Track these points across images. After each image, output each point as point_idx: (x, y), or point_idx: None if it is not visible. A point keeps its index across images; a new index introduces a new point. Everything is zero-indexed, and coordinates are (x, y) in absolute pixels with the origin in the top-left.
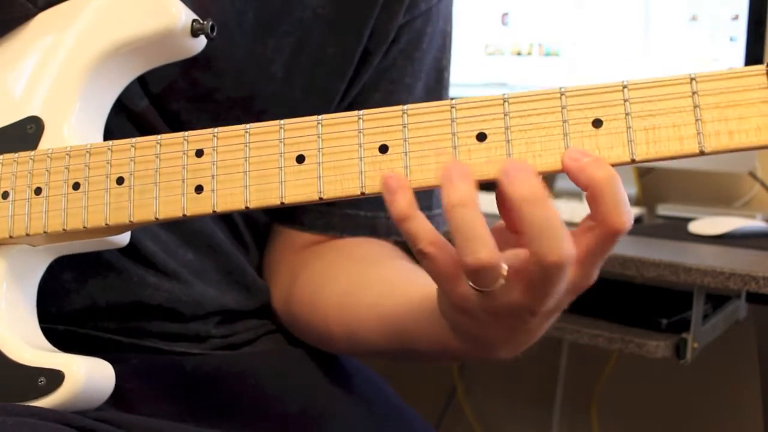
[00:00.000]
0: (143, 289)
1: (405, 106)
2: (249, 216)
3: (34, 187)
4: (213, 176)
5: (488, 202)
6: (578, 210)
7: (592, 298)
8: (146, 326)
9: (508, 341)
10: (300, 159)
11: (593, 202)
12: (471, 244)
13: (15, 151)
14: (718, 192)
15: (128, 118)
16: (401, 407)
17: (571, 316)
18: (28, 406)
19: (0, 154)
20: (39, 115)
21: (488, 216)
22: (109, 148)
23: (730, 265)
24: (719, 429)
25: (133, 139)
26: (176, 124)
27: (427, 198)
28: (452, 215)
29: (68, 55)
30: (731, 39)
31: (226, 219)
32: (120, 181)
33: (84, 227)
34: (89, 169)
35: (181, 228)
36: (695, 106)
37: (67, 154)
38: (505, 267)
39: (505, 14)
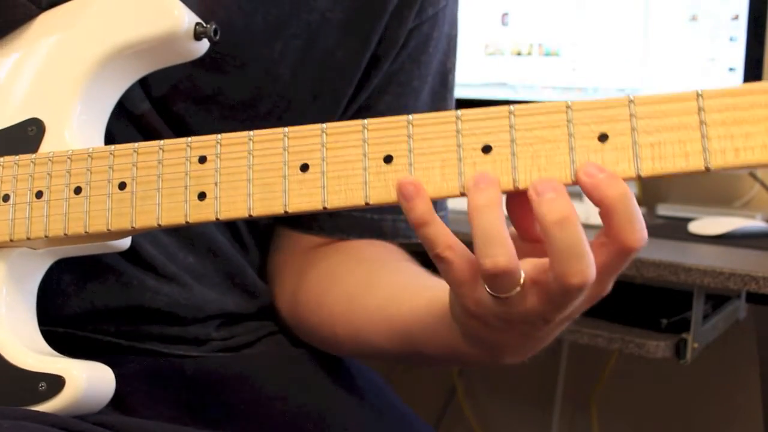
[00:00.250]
0: (143, 293)
1: (410, 117)
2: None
3: (35, 190)
4: (216, 183)
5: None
6: (578, 210)
7: None
8: (146, 329)
9: (519, 347)
10: (304, 168)
11: (606, 219)
12: (491, 248)
13: (16, 153)
14: (718, 192)
15: (129, 120)
16: (402, 409)
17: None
18: (26, 409)
19: (0, 156)
20: (40, 117)
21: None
22: (111, 153)
23: (730, 265)
24: (719, 429)
25: (136, 144)
26: (179, 126)
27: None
28: (475, 217)
29: (70, 57)
30: (731, 39)
31: (226, 221)
32: (122, 186)
33: (86, 232)
34: (91, 173)
35: (182, 231)
36: (701, 123)
37: (69, 158)
38: (522, 274)
39: (505, 14)
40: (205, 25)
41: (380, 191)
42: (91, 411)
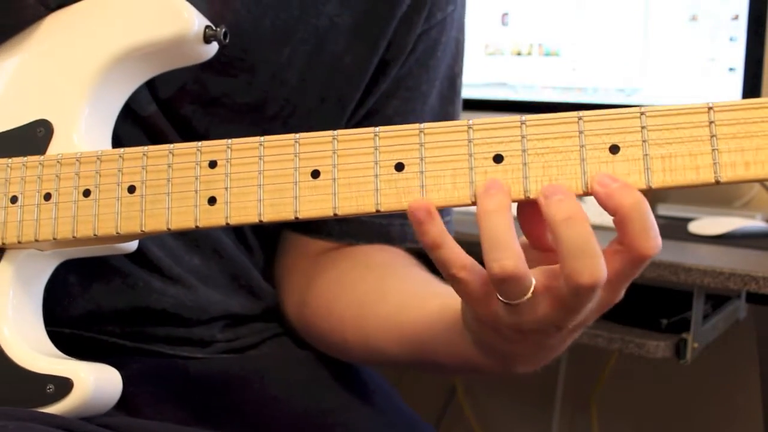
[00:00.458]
0: (148, 294)
1: (422, 125)
2: None
3: (44, 192)
4: (226, 188)
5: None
6: None
7: None
8: (151, 331)
9: (532, 357)
10: (315, 174)
11: (621, 227)
12: (498, 252)
13: (24, 154)
14: (718, 192)
15: (136, 121)
16: (406, 410)
17: None
18: (31, 410)
19: (8, 158)
20: (48, 119)
21: None
22: (120, 156)
23: (730, 265)
24: (719, 429)
25: (145, 148)
26: (185, 128)
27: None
28: (483, 222)
29: (78, 58)
30: (731, 39)
31: None
32: (131, 189)
33: (95, 235)
34: (100, 176)
35: (187, 233)
36: (712, 136)
37: (78, 160)
38: (533, 281)
39: (505, 14)
40: (214, 28)
41: (391, 198)
42: (98, 413)
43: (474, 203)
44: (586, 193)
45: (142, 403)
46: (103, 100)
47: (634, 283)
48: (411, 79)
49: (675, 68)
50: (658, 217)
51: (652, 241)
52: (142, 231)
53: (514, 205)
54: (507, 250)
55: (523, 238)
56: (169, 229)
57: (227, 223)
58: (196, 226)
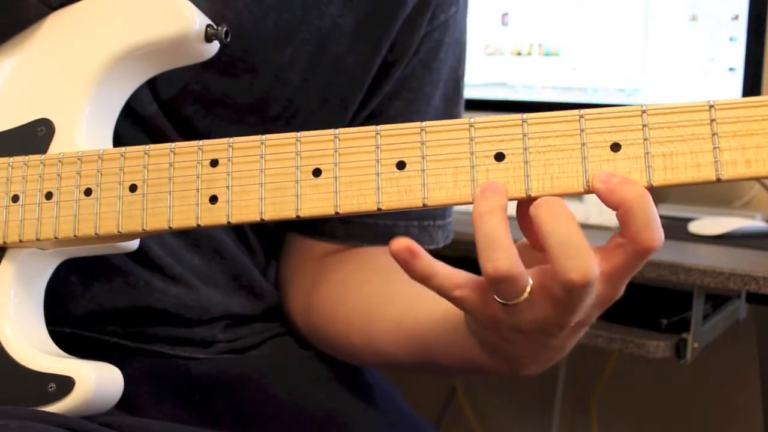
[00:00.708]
0: (150, 294)
1: (423, 123)
2: None
3: (45, 191)
4: (228, 187)
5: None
6: (578, 210)
7: None
8: (152, 331)
9: (537, 357)
10: (317, 173)
11: (624, 220)
12: (492, 252)
13: (25, 153)
14: (718, 192)
15: (136, 121)
16: (407, 410)
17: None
18: (33, 409)
19: (10, 156)
20: (50, 118)
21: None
22: (121, 155)
23: (730, 265)
24: (719, 429)
25: (147, 147)
26: (186, 128)
27: (441, 208)
28: (477, 223)
29: (80, 57)
30: (731, 39)
31: None
32: (133, 188)
33: (96, 234)
34: (101, 175)
35: (189, 233)
36: (713, 134)
37: (79, 159)
38: (530, 281)
39: (505, 14)
40: (216, 27)
41: (393, 197)
42: (100, 411)
43: None
44: (588, 191)
45: (143, 403)
46: (104, 99)
47: (633, 283)
48: (414, 81)
49: (675, 68)
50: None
51: (656, 233)
52: (143, 230)
53: (513, 207)
54: (501, 250)
55: (524, 239)
56: (170, 228)
57: (228, 222)
58: (198, 225)
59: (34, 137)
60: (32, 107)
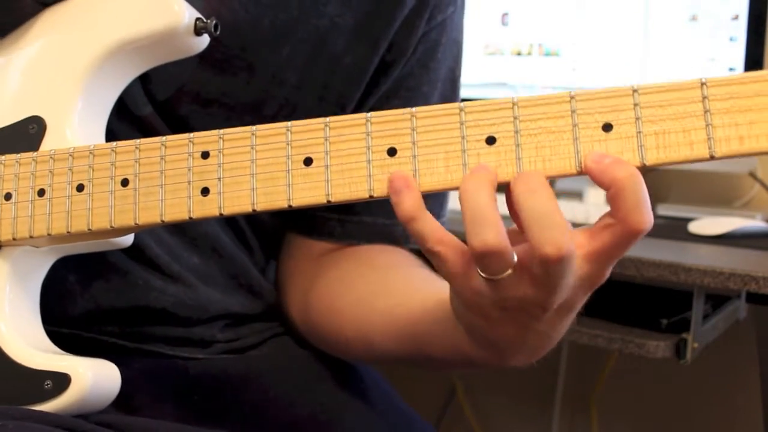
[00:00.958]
0: (148, 293)
1: (413, 109)
2: (254, 219)
3: (37, 188)
4: (219, 178)
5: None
6: (578, 210)
7: (592, 297)
8: (151, 330)
9: (524, 344)
10: (308, 162)
11: (614, 200)
12: (478, 227)
13: (17, 151)
14: (718, 192)
15: (132, 121)
16: (406, 411)
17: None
18: (30, 409)
19: (1, 155)
20: (41, 115)
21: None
22: (113, 150)
23: (730, 265)
24: (719, 429)
25: (138, 141)
26: (183, 128)
27: (438, 205)
28: (464, 200)
29: (71, 53)
30: (731, 39)
31: (230, 222)
32: (125, 182)
33: (89, 229)
34: (93, 170)
35: (186, 231)
36: (706, 111)
37: (71, 155)
38: (515, 257)
39: (505, 14)
40: (205, 20)
41: (384, 184)
42: (97, 408)
43: None
44: (580, 173)
45: (142, 403)
46: (96, 94)
47: (633, 283)
48: (412, 80)
49: (675, 68)
50: (658, 216)
51: (646, 216)
52: (136, 224)
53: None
54: (488, 225)
55: (514, 226)
56: (162, 222)
57: (221, 214)
58: (190, 218)
59: (25, 135)
60: (23, 105)
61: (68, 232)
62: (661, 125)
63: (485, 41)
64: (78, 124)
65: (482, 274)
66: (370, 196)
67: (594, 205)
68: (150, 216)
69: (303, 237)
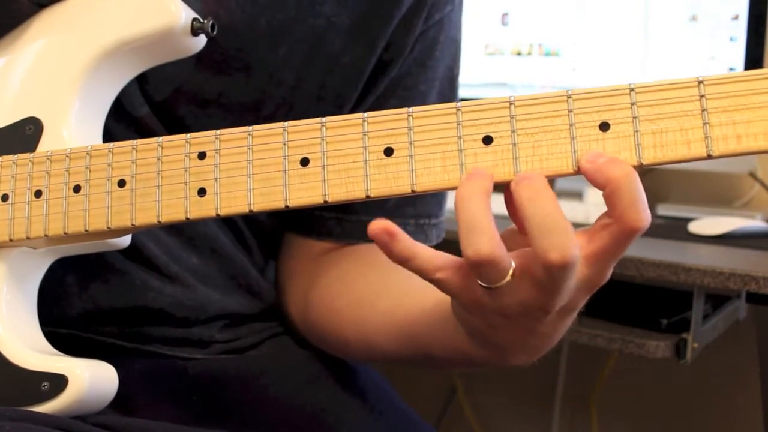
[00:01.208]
0: (146, 293)
1: (410, 109)
2: (253, 219)
3: (34, 189)
4: (216, 179)
5: (498, 203)
6: (578, 210)
7: (592, 298)
8: (149, 331)
9: (525, 345)
10: (304, 162)
11: (610, 199)
12: (473, 236)
13: (13, 152)
14: (718, 192)
15: (130, 123)
16: (406, 410)
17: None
18: (27, 410)
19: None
20: (38, 116)
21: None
22: (110, 150)
23: (730, 265)
24: (719, 429)
25: (134, 141)
26: (181, 129)
27: (437, 205)
28: (459, 208)
29: (67, 54)
30: (731, 39)
31: (229, 222)
32: (121, 183)
33: (86, 230)
34: (90, 171)
35: (185, 231)
36: (703, 110)
37: (67, 156)
38: (512, 264)
39: (505, 14)
40: (202, 20)
41: (381, 184)
42: (95, 410)
43: None
44: (577, 172)
45: (140, 404)
46: (93, 95)
47: (633, 283)
48: (409, 79)
49: (675, 68)
50: (658, 216)
51: (642, 214)
52: (132, 225)
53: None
54: (482, 234)
55: (513, 225)
56: (159, 222)
57: (218, 214)
58: (187, 218)
59: (22, 136)
60: (21, 106)
61: (65, 233)
62: (659, 124)
63: (485, 41)
64: (75, 125)
65: (481, 283)
66: (367, 196)
67: (594, 205)
68: (147, 217)
69: (302, 237)
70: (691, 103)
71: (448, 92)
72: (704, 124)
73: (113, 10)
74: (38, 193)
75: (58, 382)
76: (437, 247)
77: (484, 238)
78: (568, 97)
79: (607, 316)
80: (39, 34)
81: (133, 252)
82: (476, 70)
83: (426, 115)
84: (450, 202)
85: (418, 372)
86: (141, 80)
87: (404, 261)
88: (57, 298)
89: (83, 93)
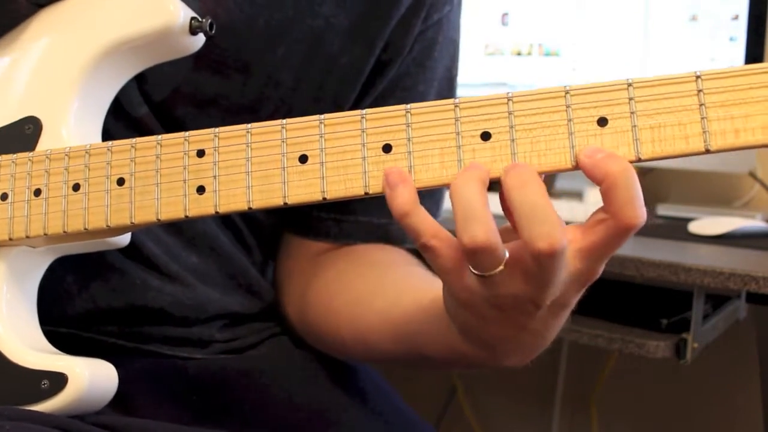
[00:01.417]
0: (146, 292)
1: (408, 105)
2: (251, 218)
3: (34, 188)
4: (215, 176)
5: (495, 203)
6: (578, 210)
7: (592, 298)
8: (149, 330)
9: (517, 343)
10: (303, 159)
11: (607, 195)
12: (469, 224)
13: (13, 151)
14: (718, 192)
15: (130, 124)
16: (405, 410)
17: (571, 316)
18: (27, 410)
19: None
20: (37, 115)
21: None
22: (108, 149)
23: (730, 265)
24: (719, 429)
25: (133, 140)
26: (178, 130)
27: (434, 204)
28: (454, 196)
29: (66, 53)
30: (731, 39)
31: (228, 222)
32: (120, 182)
33: (85, 229)
34: (89, 170)
35: (185, 230)
36: (701, 105)
37: (66, 155)
38: (506, 253)
39: (505, 14)
40: (200, 19)
41: (380, 180)
42: (95, 409)
43: None
44: (576, 167)
45: (140, 404)
46: (92, 95)
47: (633, 283)
48: (408, 79)
49: (675, 68)
50: (657, 216)
51: (638, 210)
52: (132, 223)
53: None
54: (478, 221)
55: (507, 224)
56: (159, 220)
57: (216, 212)
58: (186, 216)
59: (21, 135)
60: (20, 106)
61: (65, 231)
62: (656, 119)
63: (485, 41)
64: (74, 124)
65: (474, 271)
66: (366, 193)
67: (594, 204)
68: (146, 215)
69: (300, 237)
70: (689, 97)
71: (446, 92)
72: (702, 118)
73: (112, 10)
74: (37, 192)
75: (58, 381)
76: None
77: (480, 226)
78: (566, 92)
79: (607, 316)
80: (38, 33)
81: (132, 251)
82: (476, 70)
83: (424, 112)
84: (448, 202)
85: (418, 372)
86: (140, 80)
87: (405, 213)
88: (57, 297)
89: (82, 92)
